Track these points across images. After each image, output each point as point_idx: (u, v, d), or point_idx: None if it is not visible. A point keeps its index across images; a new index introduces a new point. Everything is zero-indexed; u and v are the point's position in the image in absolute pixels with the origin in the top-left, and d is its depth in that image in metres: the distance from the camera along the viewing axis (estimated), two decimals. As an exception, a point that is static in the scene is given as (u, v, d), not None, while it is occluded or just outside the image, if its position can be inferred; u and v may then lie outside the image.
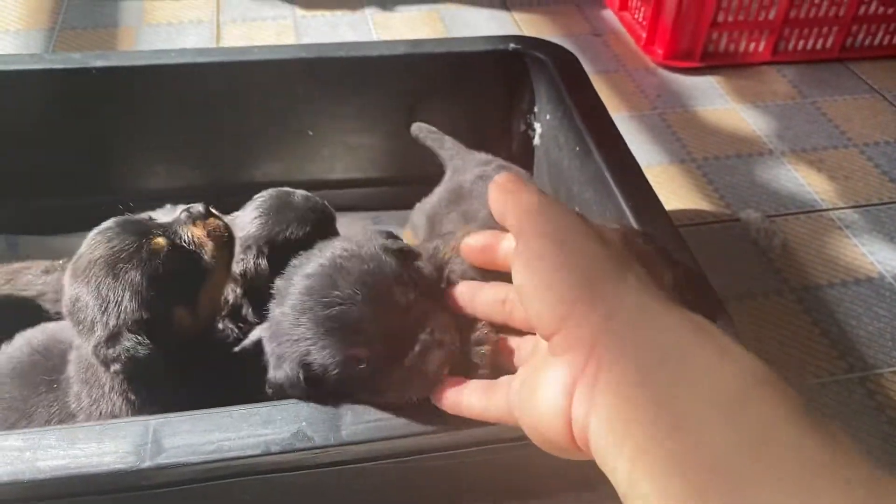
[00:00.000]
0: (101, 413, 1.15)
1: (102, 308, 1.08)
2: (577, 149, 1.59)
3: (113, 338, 1.07)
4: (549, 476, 1.36)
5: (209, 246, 1.18)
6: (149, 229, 1.14)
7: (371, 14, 2.87)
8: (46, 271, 1.51)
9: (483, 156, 1.74)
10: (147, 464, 0.97)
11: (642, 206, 1.39)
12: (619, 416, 0.60)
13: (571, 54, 1.80)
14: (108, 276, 1.08)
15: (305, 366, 0.98)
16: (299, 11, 2.86)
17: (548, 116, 1.77)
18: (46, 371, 1.21)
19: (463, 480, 1.28)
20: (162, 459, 0.97)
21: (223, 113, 1.80)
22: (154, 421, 1.01)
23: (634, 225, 1.36)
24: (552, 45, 1.83)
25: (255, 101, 1.79)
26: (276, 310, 1.04)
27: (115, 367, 1.07)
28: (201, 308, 1.18)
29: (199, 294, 1.17)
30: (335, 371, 0.97)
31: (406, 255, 1.06)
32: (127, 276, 1.08)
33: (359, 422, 1.03)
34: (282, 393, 1.02)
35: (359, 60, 1.78)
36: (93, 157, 1.79)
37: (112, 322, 1.07)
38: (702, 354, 0.62)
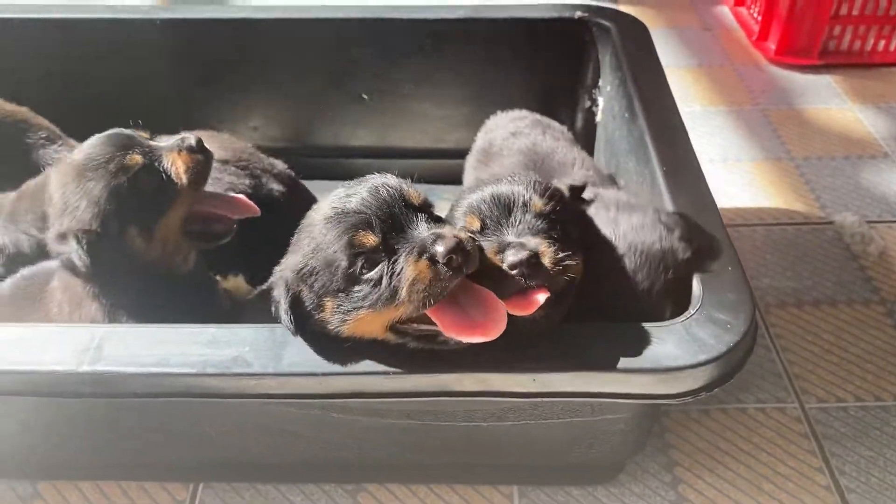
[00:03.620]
0: (80, 318, 1.16)
1: (62, 208, 1.10)
2: (626, 115, 1.45)
3: (62, 237, 1.09)
4: (538, 454, 1.23)
5: (184, 179, 1.15)
6: (132, 146, 1.14)
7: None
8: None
9: (517, 112, 1.64)
10: (84, 368, 0.95)
11: (679, 173, 1.24)
12: None
13: (640, 23, 1.67)
14: (73, 181, 1.09)
15: (307, 275, 0.96)
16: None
17: (608, 88, 1.64)
18: (31, 294, 1.24)
19: (428, 442, 1.18)
20: (99, 366, 0.95)
21: (276, 71, 1.80)
22: (102, 329, 0.99)
23: (666, 194, 1.21)
24: (620, 13, 1.71)
25: (311, 61, 1.78)
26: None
27: (61, 259, 1.10)
28: (157, 234, 1.16)
29: (158, 220, 1.15)
30: (340, 267, 0.93)
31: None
32: (88, 185, 1.09)
33: (304, 353, 0.96)
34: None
35: (413, 23, 1.73)
36: (172, 106, 1.83)
37: (65, 223, 1.08)
38: None
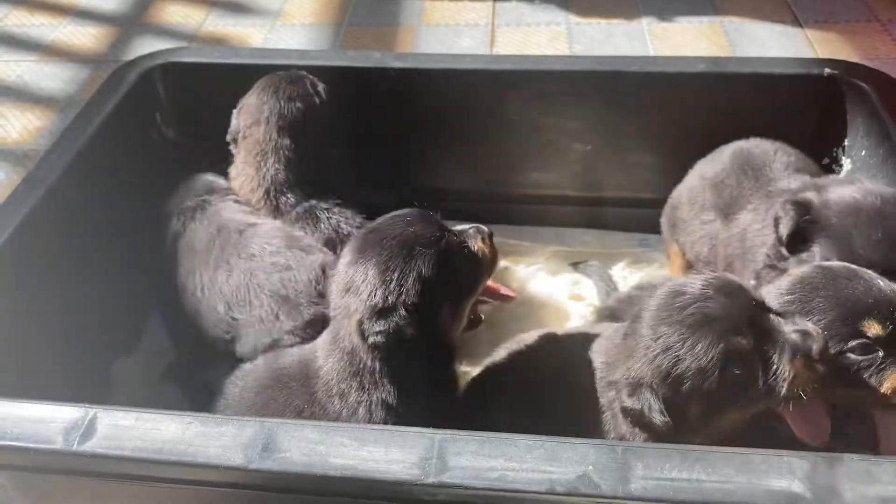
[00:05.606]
0: (370, 403, 1.19)
1: (385, 281, 1.11)
2: (909, 195, 1.38)
3: (386, 311, 1.11)
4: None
5: (487, 260, 1.24)
6: (444, 226, 1.20)
7: (648, 24, 2.75)
8: None
9: None
10: (431, 479, 0.96)
11: None
12: None
13: (902, 86, 1.58)
14: (401, 255, 1.12)
15: (674, 381, 1.00)
16: (573, 18, 2.82)
17: (863, 153, 1.57)
18: (289, 378, 1.28)
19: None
20: (446, 478, 0.96)
21: (502, 120, 1.78)
22: (440, 435, 1.00)
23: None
24: (877, 73, 1.62)
25: (538, 111, 1.76)
26: (618, 341, 1.11)
27: (377, 339, 1.11)
28: (461, 312, 1.22)
29: (467, 297, 1.22)
30: (714, 373, 0.98)
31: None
32: (420, 260, 1.12)
33: (651, 476, 0.95)
34: (640, 423, 1.04)
35: (649, 77, 1.68)
36: (380, 154, 1.84)
37: (391, 297, 1.11)
38: None
